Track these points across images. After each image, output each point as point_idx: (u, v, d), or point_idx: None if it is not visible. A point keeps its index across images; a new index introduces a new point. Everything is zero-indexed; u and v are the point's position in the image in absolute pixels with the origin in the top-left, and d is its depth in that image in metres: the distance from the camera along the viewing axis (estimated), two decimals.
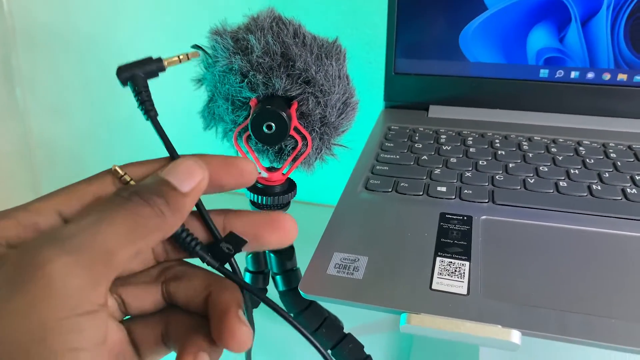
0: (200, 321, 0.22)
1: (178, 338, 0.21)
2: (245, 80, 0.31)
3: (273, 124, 0.30)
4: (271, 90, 0.31)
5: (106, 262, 0.17)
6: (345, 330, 0.41)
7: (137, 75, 0.22)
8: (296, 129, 0.32)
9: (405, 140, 0.47)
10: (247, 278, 0.41)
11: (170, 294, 0.22)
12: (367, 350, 0.40)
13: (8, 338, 0.14)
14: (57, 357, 0.15)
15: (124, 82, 0.22)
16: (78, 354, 0.15)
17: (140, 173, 0.21)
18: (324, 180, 0.55)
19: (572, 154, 0.44)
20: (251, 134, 0.31)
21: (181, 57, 0.23)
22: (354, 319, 0.48)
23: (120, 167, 0.21)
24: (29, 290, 0.15)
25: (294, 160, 0.33)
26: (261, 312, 0.43)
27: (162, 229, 0.19)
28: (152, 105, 0.23)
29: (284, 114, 0.30)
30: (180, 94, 0.53)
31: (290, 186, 0.35)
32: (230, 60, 0.31)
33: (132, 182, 0.21)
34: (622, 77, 0.49)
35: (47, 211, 0.19)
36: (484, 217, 0.35)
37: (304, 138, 0.32)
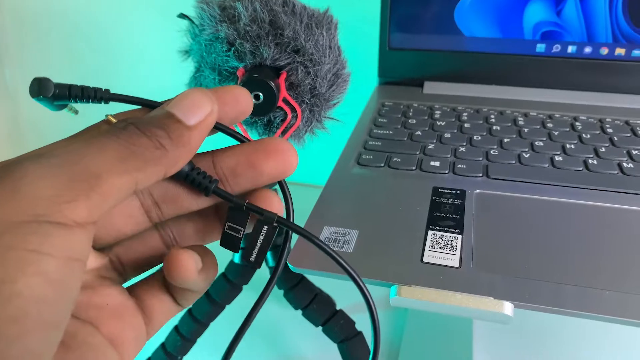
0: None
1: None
2: (232, 49, 0.30)
3: (260, 94, 0.29)
4: (259, 60, 0.30)
5: (91, 183, 0.15)
6: (338, 309, 0.40)
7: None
8: (285, 100, 0.31)
9: (399, 116, 0.46)
10: (237, 254, 0.40)
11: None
12: (359, 328, 0.40)
13: None
14: (14, 255, 0.13)
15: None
16: (41, 257, 0.14)
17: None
18: (314, 161, 0.54)
19: (568, 129, 0.43)
20: None
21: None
22: (346, 297, 0.47)
23: (116, 115, 0.19)
24: None
25: (284, 132, 0.32)
26: (251, 293, 0.42)
27: (162, 163, 0.17)
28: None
29: (272, 84, 0.29)
30: (167, 66, 0.51)
31: None
32: (216, 29, 0.30)
33: None
34: (620, 51, 0.48)
35: None
36: (477, 191, 0.34)
37: (293, 110, 0.31)
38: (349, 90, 0.35)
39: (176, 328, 0.42)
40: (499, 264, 0.27)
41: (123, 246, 0.21)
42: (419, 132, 0.42)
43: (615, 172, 0.37)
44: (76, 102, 0.19)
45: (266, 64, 0.30)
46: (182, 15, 0.32)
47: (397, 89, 0.53)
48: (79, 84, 0.18)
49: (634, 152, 0.39)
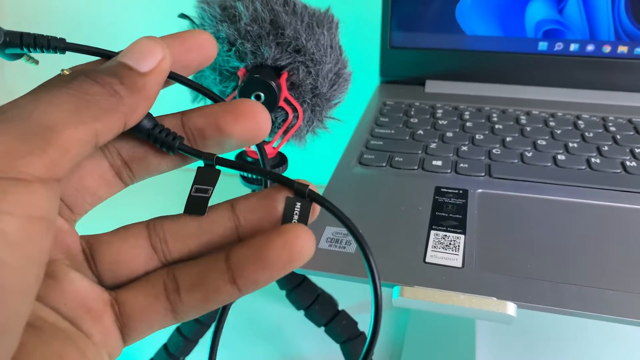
0: None
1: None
2: (233, 49, 0.30)
3: (262, 94, 0.29)
4: (260, 60, 0.30)
5: (45, 136, 0.14)
6: (340, 310, 0.40)
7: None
8: (286, 100, 0.31)
9: (401, 115, 0.46)
10: None
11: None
12: (362, 328, 0.40)
13: None
14: None
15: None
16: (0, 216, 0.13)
17: None
18: (316, 160, 0.54)
19: (570, 128, 0.43)
20: None
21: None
22: (349, 297, 0.47)
23: (72, 69, 0.18)
24: None
25: (285, 132, 0.32)
26: (253, 294, 0.42)
27: (119, 111, 0.16)
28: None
29: (273, 84, 0.29)
30: None
31: (281, 160, 0.34)
32: (217, 29, 0.30)
33: None
34: (622, 49, 0.48)
35: None
36: (480, 190, 0.34)
37: (294, 109, 0.31)
38: (350, 90, 0.35)
39: (178, 329, 0.42)
40: (502, 264, 0.27)
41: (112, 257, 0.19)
42: (420, 132, 0.42)
43: (619, 170, 0.36)
44: (29, 51, 0.18)
45: (267, 64, 0.30)
46: (183, 16, 0.32)
47: (398, 87, 0.52)
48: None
49: (637, 150, 0.39)
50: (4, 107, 0.15)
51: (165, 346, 0.43)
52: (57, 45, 0.18)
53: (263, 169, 0.20)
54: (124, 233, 0.19)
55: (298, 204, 0.18)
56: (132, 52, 0.17)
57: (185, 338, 0.41)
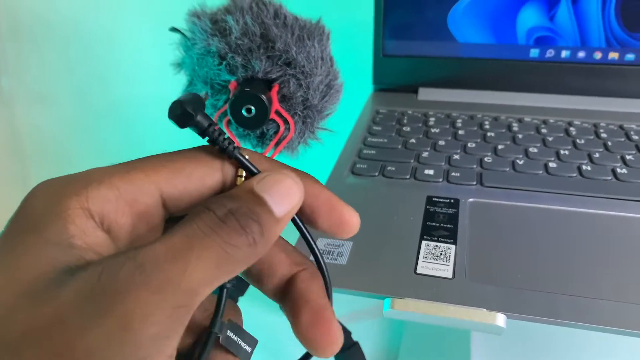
0: None
1: None
2: (224, 63, 0.30)
3: (252, 107, 0.29)
4: (251, 73, 0.30)
5: (188, 305, 0.14)
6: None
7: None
8: (278, 113, 0.31)
9: (394, 123, 0.46)
10: None
11: None
12: (355, 337, 0.40)
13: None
14: None
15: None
16: None
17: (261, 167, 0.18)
18: (310, 166, 0.54)
19: (562, 135, 0.43)
20: (230, 118, 0.30)
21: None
22: (342, 306, 0.47)
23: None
24: (103, 324, 0.13)
25: (277, 144, 0.32)
26: (251, 302, 0.42)
27: (247, 262, 0.15)
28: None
29: (264, 97, 0.29)
30: (162, 80, 0.51)
31: None
32: (208, 42, 0.30)
33: (241, 180, 0.18)
34: (613, 55, 0.48)
35: (149, 188, 0.16)
36: (471, 199, 0.34)
37: (286, 122, 0.31)
38: (343, 97, 0.35)
39: None
40: (493, 274, 0.27)
41: None
42: (413, 140, 0.43)
43: (609, 177, 0.37)
44: (203, 137, 0.17)
45: (258, 77, 0.30)
46: (174, 29, 0.32)
47: (391, 95, 0.53)
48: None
49: (627, 157, 0.39)
50: (158, 256, 0.14)
51: None
52: (230, 150, 0.17)
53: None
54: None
55: None
56: (274, 189, 0.16)
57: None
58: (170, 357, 0.14)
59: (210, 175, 0.17)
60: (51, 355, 0.12)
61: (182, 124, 0.17)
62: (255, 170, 0.18)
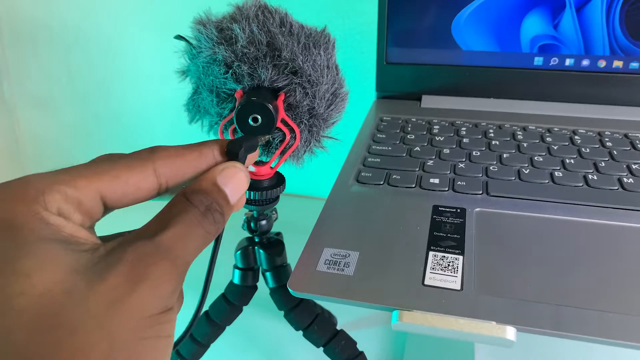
0: None
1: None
2: (230, 71, 0.30)
3: (259, 116, 0.29)
4: (257, 82, 0.30)
5: (185, 270, 0.19)
6: (339, 326, 0.40)
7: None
8: (284, 121, 0.31)
9: (398, 131, 0.46)
10: (237, 275, 0.40)
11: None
12: (360, 347, 0.40)
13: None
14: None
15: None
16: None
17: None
18: (315, 173, 0.54)
19: (567, 143, 0.43)
20: (237, 127, 0.30)
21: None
22: (347, 313, 0.47)
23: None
24: (149, 285, 0.17)
25: (282, 153, 0.32)
26: (252, 310, 0.42)
27: (214, 237, 0.21)
28: None
29: (270, 106, 0.29)
30: (166, 81, 0.51)
31: (278, 180, 0.34)
32: (214, 51, 0.30)
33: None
34: (617, 64, 0.48)
35: (91, 193, 0.19)
36: (477, 209, 0.34)
37: (292, 130, 0.31)
38: (347, 106, 0.35)
39: (177, 352, 0.41)
40: (501, 286, 0.27)
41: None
42: (417, 148, 0.42)
43: (616, 187, 0.36)
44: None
45: (264, 86, 0.30)
46: (179, 37, 0.32)
47: (395, 103, 0.52)
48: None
49: (633, 166, 0.39)
50: (170, 238, 0.19)
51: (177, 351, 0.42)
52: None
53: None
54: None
55: None
56: (231, 182, 0.22)
57: (183, 358, 0.41)
58: (177, 300, 0.20)
59: (144, 180, 0.21)
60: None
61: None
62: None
